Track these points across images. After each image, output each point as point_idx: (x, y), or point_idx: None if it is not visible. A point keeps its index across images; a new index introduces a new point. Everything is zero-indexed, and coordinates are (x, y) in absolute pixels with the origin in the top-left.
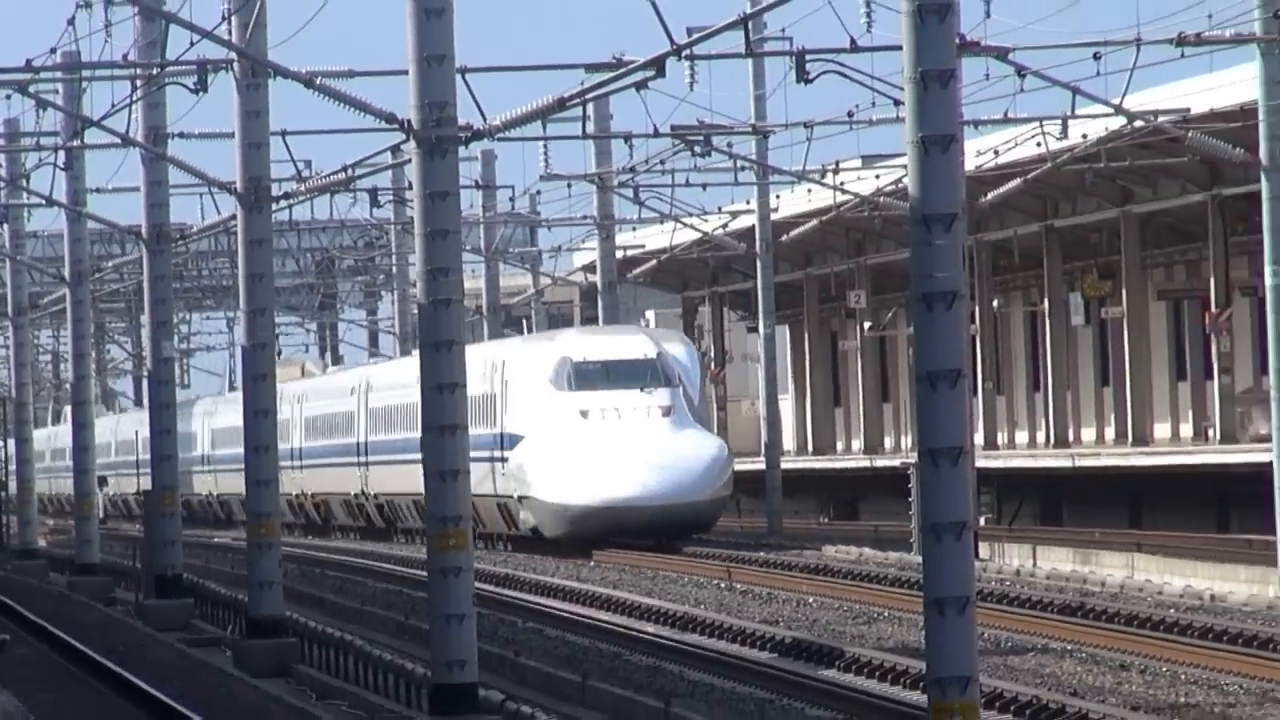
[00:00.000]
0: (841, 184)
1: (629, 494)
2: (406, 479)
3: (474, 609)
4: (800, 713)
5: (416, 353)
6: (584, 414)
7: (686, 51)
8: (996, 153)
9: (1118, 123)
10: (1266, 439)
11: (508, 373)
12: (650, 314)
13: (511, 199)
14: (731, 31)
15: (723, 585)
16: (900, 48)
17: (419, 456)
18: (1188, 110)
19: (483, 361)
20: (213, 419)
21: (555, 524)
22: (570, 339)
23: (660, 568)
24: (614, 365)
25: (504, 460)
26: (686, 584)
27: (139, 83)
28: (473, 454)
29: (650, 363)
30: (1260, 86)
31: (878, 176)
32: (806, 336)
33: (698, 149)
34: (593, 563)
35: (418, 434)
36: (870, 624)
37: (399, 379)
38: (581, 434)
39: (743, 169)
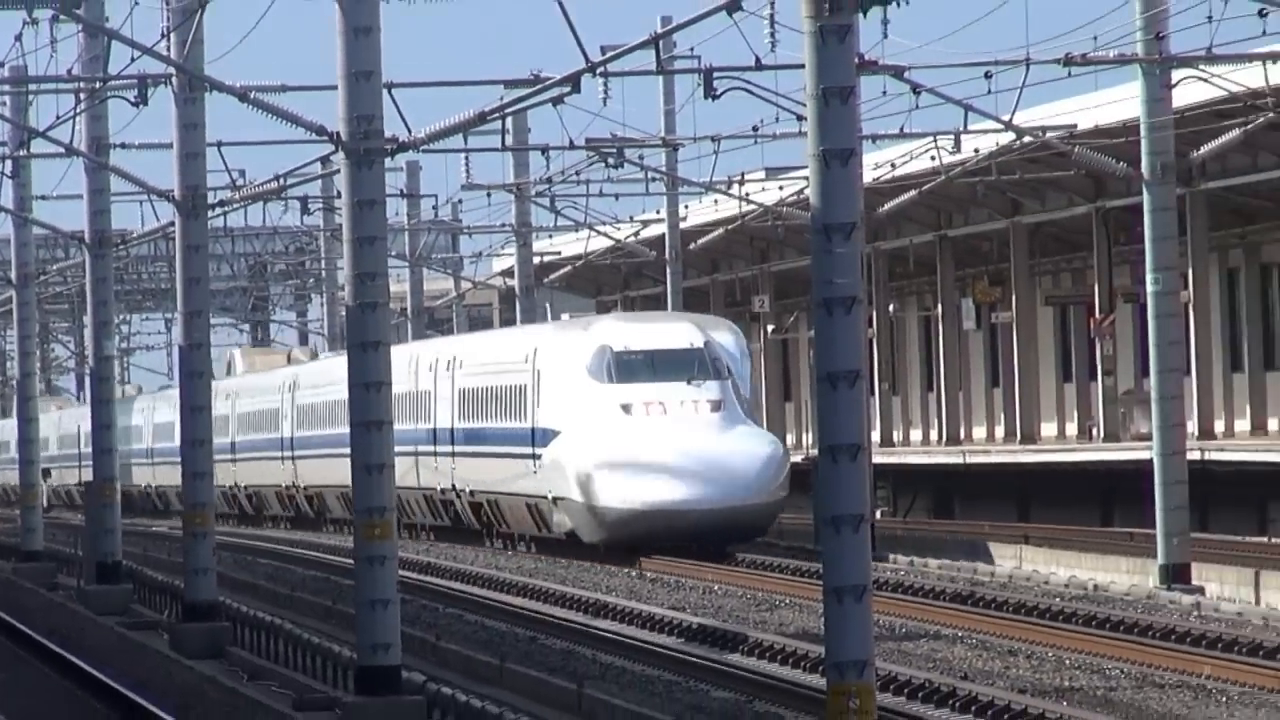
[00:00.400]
0: (747, 195)
1: (677, 497)
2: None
3: (398, 595)
4: (705, 694)
5: (335, 353)
6: (626, 408)
7: (600, 69)
8: (893, 166)
9: (1008, 138)
10: (1147, 438)
11: (540, 361)
12: (565, 317)
13: (435, 207)
14: (643, 50)
15: (633, 574)
16: (803, 66)
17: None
18: (1074, 126)
19: (513, 349)
20: (152, 414)
21: (594, 528)
22: (609, 326)
23: (576, 558)
24: (658, 355)
25: (537, 457)
26: (599, 572)
27: (82, 96)
28: (503, 450)
29: (697, 352)
30: (1142, 104)
31: (781, 188)
32: None
33: (611, 161)
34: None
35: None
36: (772, 611)
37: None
38: (623, 430)
39: (653, 180)
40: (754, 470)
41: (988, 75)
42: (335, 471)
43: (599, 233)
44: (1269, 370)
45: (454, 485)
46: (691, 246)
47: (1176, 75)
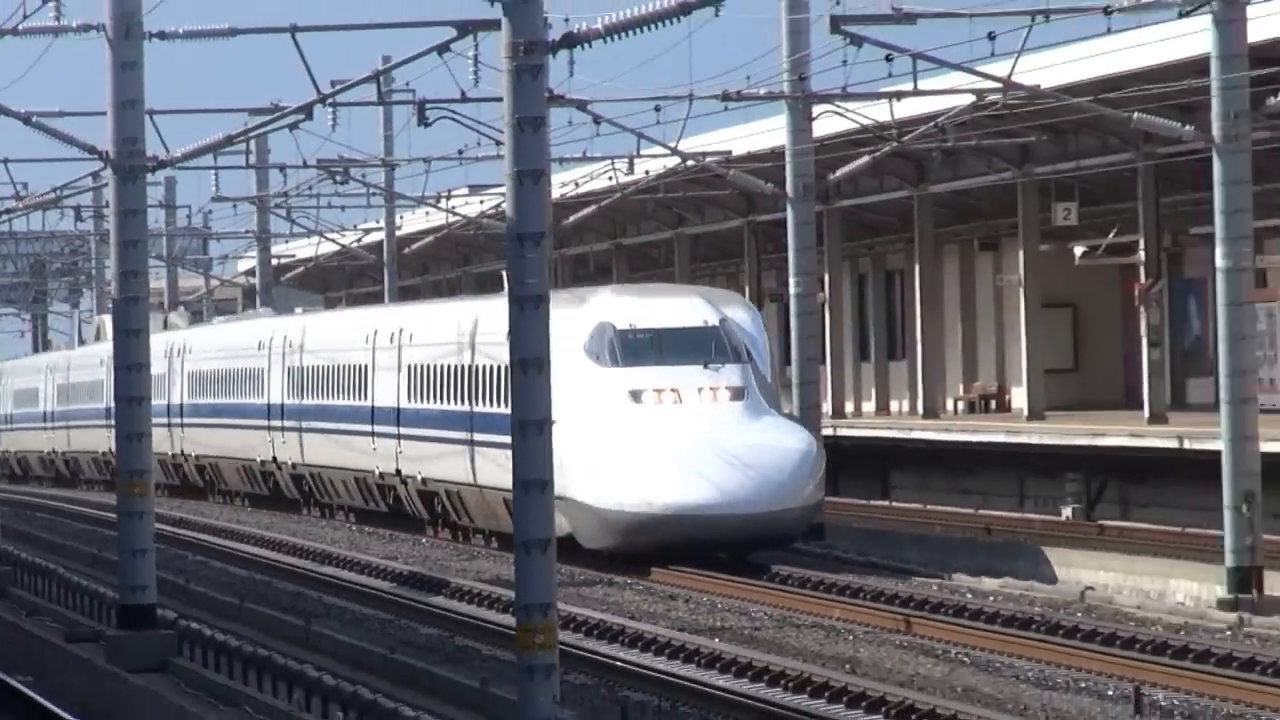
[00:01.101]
0: (453, 208)
1: (702, 500)
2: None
3: (154, 544)
4: (415, 631)
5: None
6: (635, 396)
7: (330, 100)
8: (577, 184)
9: (674, 162)
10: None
11: None
12: (299, 310)
13: (189, 216)
14: (366, 84)
15: (353, 528)
16: (501, 99)
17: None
18: (729, 152)
19: (489, 322)
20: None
21: (601, 534)
22: (608, 301)
23: (312, 518)
24: (668, 335)
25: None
26: (324, 525)
27: None
28: (480, 437)
29: (713, 331)
30: (788, 134)
31: (481, 202)
32: None
33: (338, 178)
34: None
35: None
36: (472, 560)
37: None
38: (633, 422)
39: (374, 194)
40: (789, 469)
41: (657, 108)
42: (228, 441)
43: (328, 239)
44: (891, 360)
45: (399, 470)
46: (406, 251)
47: (817, 110)
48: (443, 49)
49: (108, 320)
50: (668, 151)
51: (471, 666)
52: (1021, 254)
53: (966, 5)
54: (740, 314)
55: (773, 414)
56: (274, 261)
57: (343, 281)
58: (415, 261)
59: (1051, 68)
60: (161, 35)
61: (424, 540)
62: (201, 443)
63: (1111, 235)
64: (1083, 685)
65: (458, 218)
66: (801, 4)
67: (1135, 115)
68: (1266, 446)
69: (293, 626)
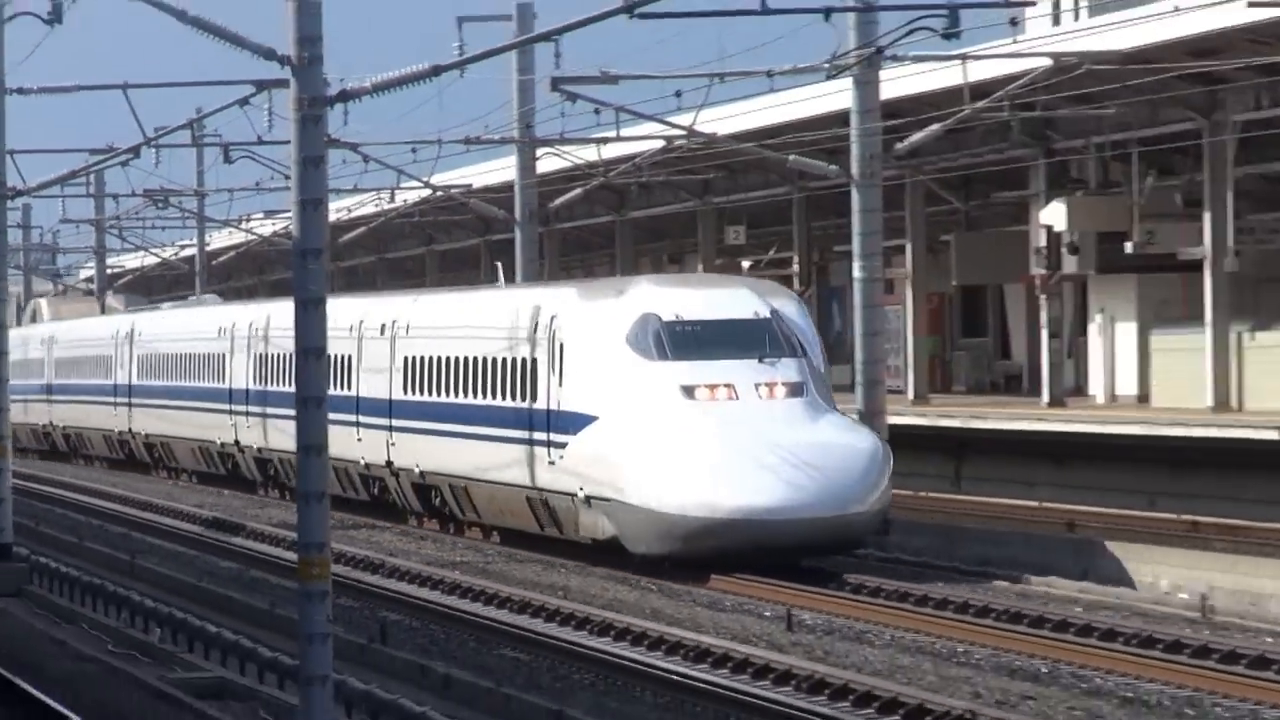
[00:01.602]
0: (251, 229)
1: (771, 503)
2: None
3: (11, 495)
4: (217, 564)
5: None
6: (687, 391)
7: (154, 142)
8: (350, 210)
9: (426, 193)
10: None
11: (562, 332)
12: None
13: (41, 234)
14: (183, 130)
15: (175, 483)
16: (290, 142)
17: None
18: (470, 185)
19: (511, 314)
20: None
21: (658, 538)
22: (649, 291)
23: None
24: (718, 327)
25: (552, 445)
26: (152, 479)
27: None
28: (498, 432)
29: (765, 324)
30: (517, 171)
31: (274, 223)
32: None
33: (160, 204)
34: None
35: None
36: (263, 509)
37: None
38: (689, 419)
39: (188, 218)
40: (858, 471)
41: (413, 150)
42: (179, 424)
43: (152, 253)
44: None
45: (390, 461)
46: (214, 263)
47: (540, 152)
48: (244, 102)
49: (44, 303)
50: (421, 184)
51: (262, 592)
52: (700, 266)
53: (659, 69)
54: (789, 305)
55: (834, 412)
56: (110, 271)
57: (164, 288)
58: (221, 271)
59: (726, 119)
60: (20, 91)
61: (224, 492)
62: (153, 423)
63: (772, 252)
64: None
65: (255, 236)
66: (528, 66)
67: (791, 157)
68: (891, 420)
69: (121, 561)
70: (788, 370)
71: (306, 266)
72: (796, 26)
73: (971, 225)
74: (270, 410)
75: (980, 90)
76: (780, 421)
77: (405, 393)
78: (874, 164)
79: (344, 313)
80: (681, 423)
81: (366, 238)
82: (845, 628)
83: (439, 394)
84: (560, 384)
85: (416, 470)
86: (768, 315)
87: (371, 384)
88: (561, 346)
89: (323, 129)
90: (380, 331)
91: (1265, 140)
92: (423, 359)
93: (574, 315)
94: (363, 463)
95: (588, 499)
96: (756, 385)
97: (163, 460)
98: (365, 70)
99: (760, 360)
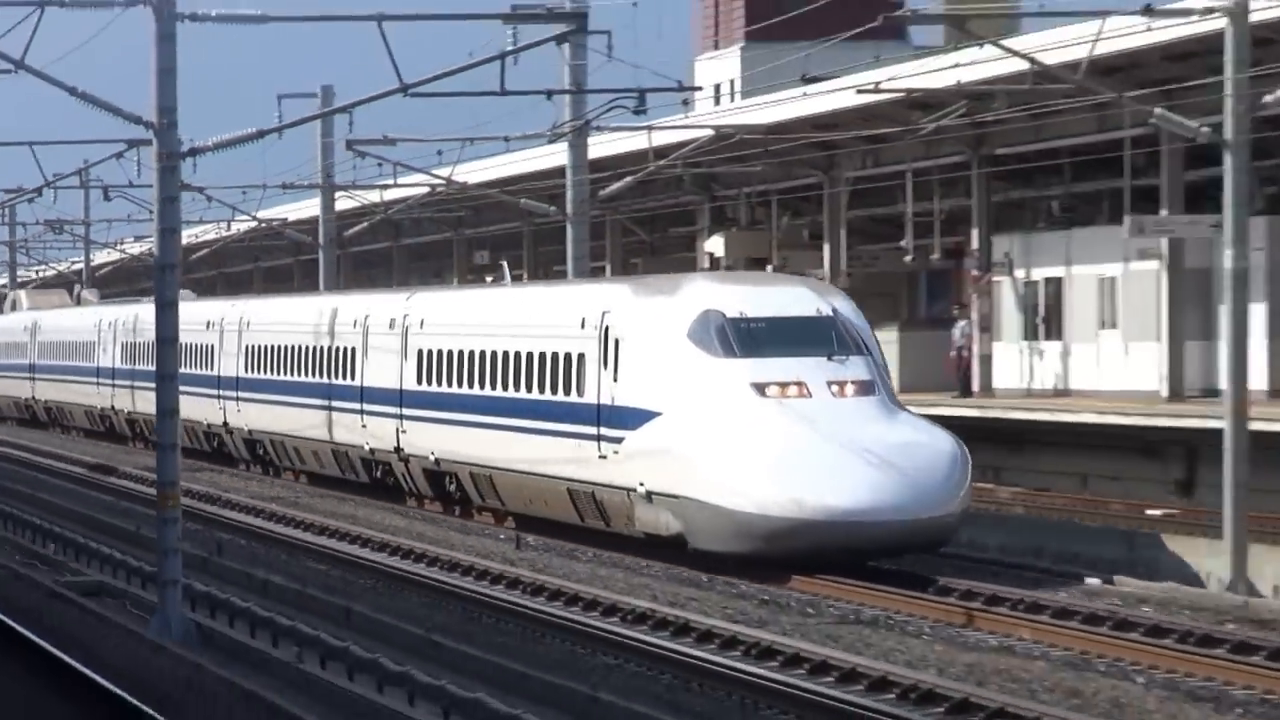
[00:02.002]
0: (125, 250)
1: (858, 504)
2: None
3: None
4: (98, 499)
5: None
6: (759, 389)
7: (51, 185)
8: (197, 236)
9: (253, 224)
10: None
11: (616, 328)
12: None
13: None
14: (74, 177)
15: (59, 433)
16: (153, 185)
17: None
18: (286, 219)
19: (557, 309)
20: None
21: (734, 538)
22: (709, 288)
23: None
24: (783, 324)
25: (604, 439)
26: (38, 434)
27: None
28: (533, 424)
29: (829, 321)
30: (321, 210)
31: (141, 245)
32: None
33: (57, 231)
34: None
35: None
36: (130, 455)
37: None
38: (765, 417)
39: (78, 241)
40: (943, 471)
41: (244, 192)
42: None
43: (50, 267)
44: None
45: (399, 448)
46: (97, 275)
47: (338, 195)
48: (119, 155)
49: (23, 294)
50: (250, 217)
51: (131, 518)
52: (456, 280)
53: (426, 134)
54: (846, 304)
55: (906, 411)
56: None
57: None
58: (102, 282)
59: (475, 171)
60: None
61: (102, 446)
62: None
63: (508, 270)
64: None
65: (127, 255)
66: (329, 130)
67: (522, 200)
68: None
69: (26, 494)
70: (857, 368)
71: (165, 278)
72: (528, 103)
73: (655, 252)
74: (136, 384)
75: (661, 152)
76: (857, 420)
77: (419, 384)
78: (583, 206)
79: (347, 309)
80: (757, 421)
81: (210, 256)
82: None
83: (460, 385)
84: (615, 379)
85: (431, 458)
86: (830, 313)
87: (380, 374)
88: (616, 342)
89: (177, 176)
90: (390, 326)
91: (869, 191)
92: (438, 352)
93: (629, 311)
94: (367, 448)
95: (649, 494)
96: (829, 383)
97: (56, 418)
98: (215, 129)
99: (829, 358)
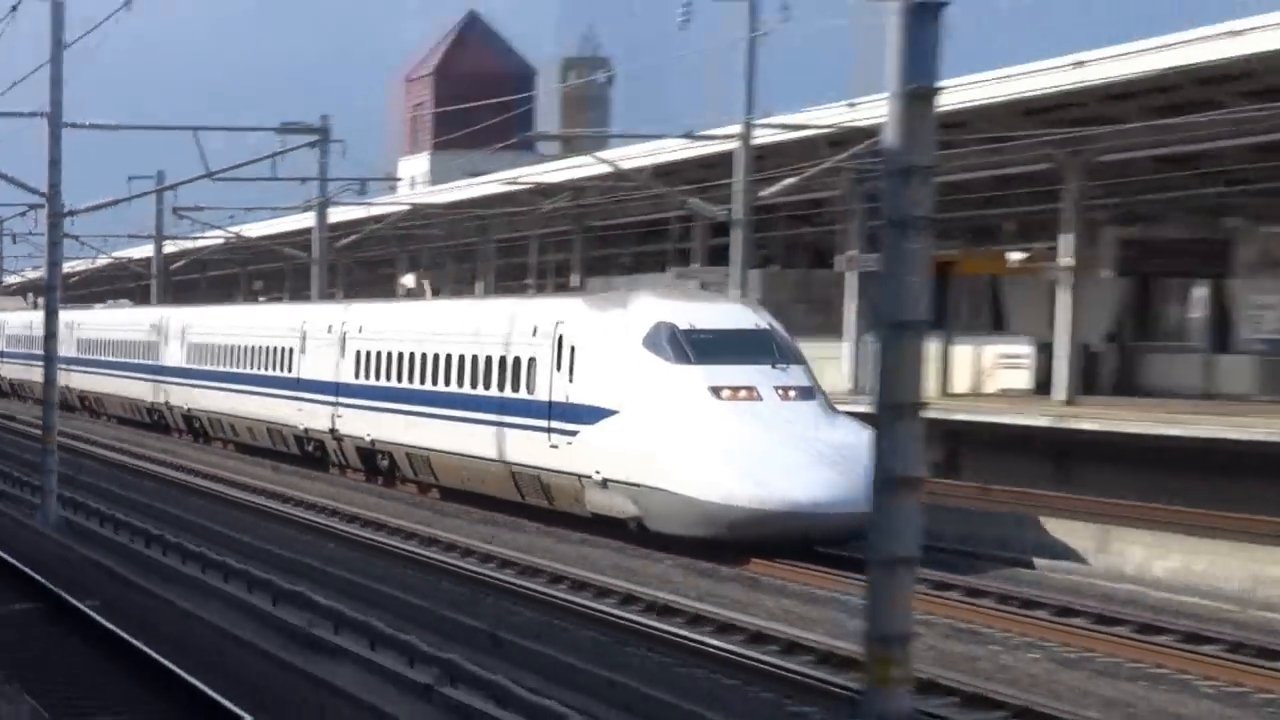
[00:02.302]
0: (26, 277)
1: (816, 498)
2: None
3: None
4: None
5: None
6: (715, 392)
7: None
8: (74, 269)
9: (108, 260)
10: None
11: (571, 336)
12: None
13: None
14: None
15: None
16: (44, 234)
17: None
18: (131, 257)
19: (513, 319)
20: None
21: (700, 524)
22: (657, 303)
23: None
24: (729, 335)
25: (553, 431)
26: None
27: None
28: (500, 418)
29: (768, 334)
30: (154, 251)
31: (38, 274)
32: None
33: None
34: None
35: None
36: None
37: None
38: (725, 417)
39: None
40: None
41: (105, 239)
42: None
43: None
44: None
45: (334, 429)
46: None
47: (166, 245)
48: (23, 214)
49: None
50: (109, 257)
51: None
52: (242, 300)
53: (226, 205)
54: (775, 321)
55: (843, 415)
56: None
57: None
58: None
59: (255, 229)
60: None
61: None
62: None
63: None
64: None
65: (28, 279)
66: (162, 200)
67: (286, 249)
68: None
69: None
70: (798, 376)
71: (54, 296)
72: (292, 185)
73: (370, 284)
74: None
75: (378, 219)
76: (804, 421)
77: (356, 378)
78: (324, 254)
79: (316, 317)
80: (717, 420)
81: (79, 284)
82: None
83: (398, 380)
84: (571, 380)
85: (367, 439)
86: (767, 327)
87: (319, 369)
88: (572, 349)
89: (61, 228)
90: (328, 330)
91: (511, 248)
92: (373, 353)
93: (582, 322)
94: (301, 428)
95: (604, 481)
96: (775, 388)
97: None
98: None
99: (773, 366)
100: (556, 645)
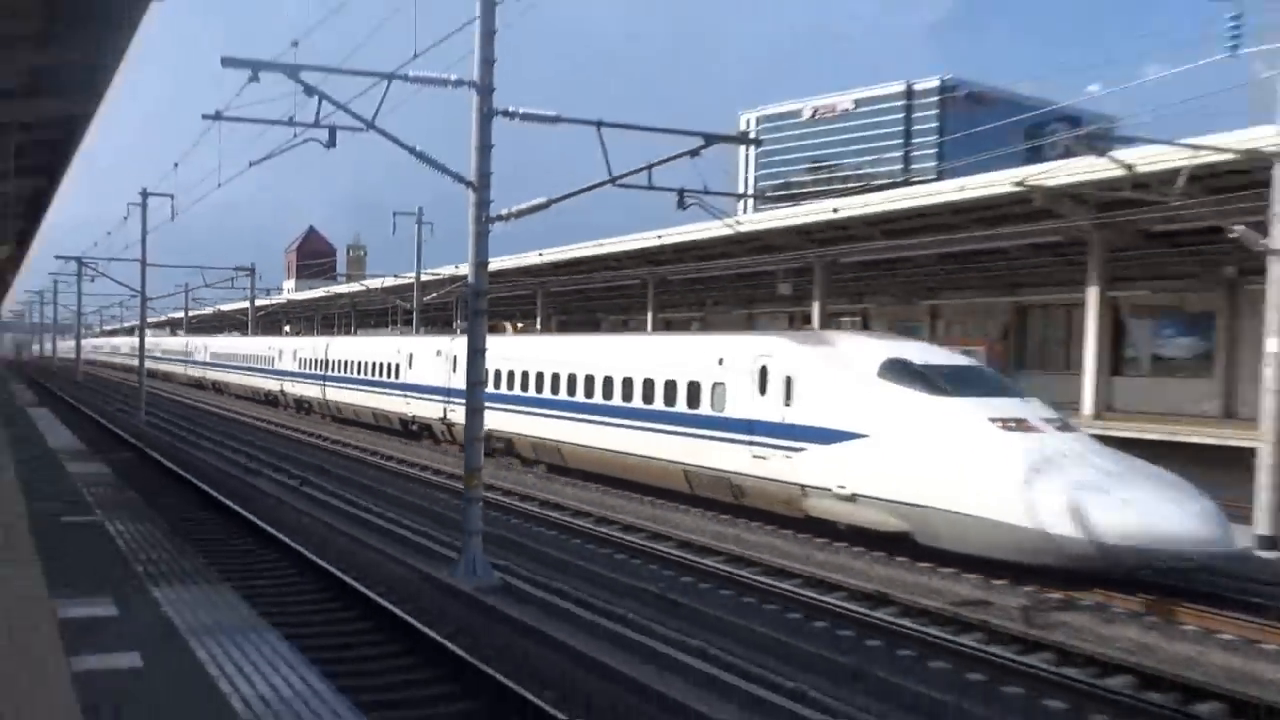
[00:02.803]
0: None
1: (1184, 533)
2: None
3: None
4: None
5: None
6: (1000, 423)
7: None
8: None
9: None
10: None
11: (783, 368)
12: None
13: None
14: None
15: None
16: None
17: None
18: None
19: (715, 352)
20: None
21: (1031, 554)
22: (862, 341)
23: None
24: (963, 371)
25: (758, 444)
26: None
27: None
28: (710, 432)
29: (991, 371)
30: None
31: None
32: None
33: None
34: None
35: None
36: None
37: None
38: (1023, 449)
39: None
40: (1212, 504)
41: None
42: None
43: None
44: None
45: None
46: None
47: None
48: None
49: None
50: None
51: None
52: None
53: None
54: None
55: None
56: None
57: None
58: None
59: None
60: None
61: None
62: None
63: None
64: None
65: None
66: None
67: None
68: None
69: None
70: (1044, 408)
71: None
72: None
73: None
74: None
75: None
76: (1089, 453)
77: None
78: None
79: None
80: (1020, 452)
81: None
82: None
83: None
84: (786, 403)
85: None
86: (982, 364)
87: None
88: (788, 379)
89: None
90: (436, 354)
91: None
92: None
93: (794, 355)
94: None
95: (853, 495)
96: (1041, 419)
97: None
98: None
99: (1021, 400)
100: None
